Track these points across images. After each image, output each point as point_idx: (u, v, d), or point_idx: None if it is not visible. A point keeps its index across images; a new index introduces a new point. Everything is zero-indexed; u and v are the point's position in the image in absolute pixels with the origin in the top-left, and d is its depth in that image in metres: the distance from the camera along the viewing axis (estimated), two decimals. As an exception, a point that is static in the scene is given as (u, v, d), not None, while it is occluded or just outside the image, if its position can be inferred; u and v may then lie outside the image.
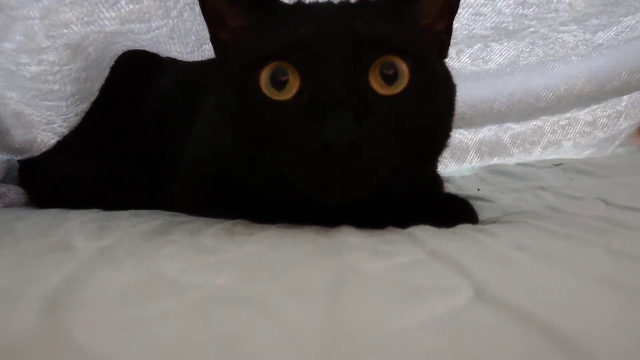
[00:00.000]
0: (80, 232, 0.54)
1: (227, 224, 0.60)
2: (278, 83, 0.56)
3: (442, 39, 0.67)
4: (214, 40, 0.66)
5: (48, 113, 0.95)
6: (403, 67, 0.56)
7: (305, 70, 0.55)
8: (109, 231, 0.55)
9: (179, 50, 1.01)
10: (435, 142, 0.63)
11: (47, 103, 0.95)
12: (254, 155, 0.58)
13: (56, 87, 0.95)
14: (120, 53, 0.97)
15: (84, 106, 0.97)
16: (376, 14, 0.60)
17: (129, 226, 0.59)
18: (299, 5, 0.64)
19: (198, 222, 0.62)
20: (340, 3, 0.65)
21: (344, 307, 0.32)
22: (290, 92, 0.55)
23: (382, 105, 0.55)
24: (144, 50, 1.01)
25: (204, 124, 0.77)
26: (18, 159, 0.93)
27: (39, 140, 0.92)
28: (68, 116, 0.96)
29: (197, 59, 1.01)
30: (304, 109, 0.54)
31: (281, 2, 0.64)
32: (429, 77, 0.58)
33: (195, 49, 1.03)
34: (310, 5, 0.65)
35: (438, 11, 0.64)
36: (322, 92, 0.54)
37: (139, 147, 0.91)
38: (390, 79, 0.56)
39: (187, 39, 1.03)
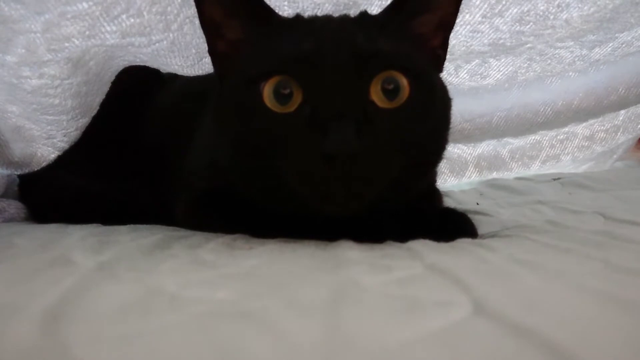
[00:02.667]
0: (80, 247, 0.54)
1: (227, 238, 0.60)
2: (281, 96, 0.56)
3: (438, 54, 0.68)
4: (212, 52, 0.66)
5: (49, 127, 0.95)
6: (403, 82, 0.57)
7: (307, 84, 0.56)
8: (109, 246, 0.55)
9: (179, 64, 1.01)
10: (432, 153, 0.63)
11: (48, 117, 0.95)
12: (255, 166, 0.58)
13: (57, 101, 0.95)
14: (121, 68, 0.97)
15: (85, 120, 0.97)
16: (376, 28, 0.61)
17: (129, 241, 0.59)
18: (298, 19, 0.65)
19: (198, 236, 0.62)
20: (340, 17, 0.66)
21: (343, 321, 0.32)
22: (292, 105, 0.56)
23: (382, 118, 0.56)
24: (145, 66, 1.01)
25: (204, 138, 0.78)
26: (18, 173, 0.93)
27: (39, 154, 0.92)
28: (69, 130, 0.97)
29: (197, 73, 1.01)
30: (306, 121, 0.55)
31: (280, 15, 0.64)
32: (428, 91, 0.59)
33: (196, 62, 1.03)
34: (309, 19, 0.65)
35: (435, 27, 0.65)
36: (323, 106, 0.54)
37: (139, 163, 0.91)
38: (390, 93, 0.57)
39: (187, 52, 1.03)
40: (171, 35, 1.00)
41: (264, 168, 0.57)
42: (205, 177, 0.73)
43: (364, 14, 0.65)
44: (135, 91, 0.99)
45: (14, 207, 0.88)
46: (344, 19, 0.65)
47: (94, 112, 0.98)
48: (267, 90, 0.57)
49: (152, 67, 0.99)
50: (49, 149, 0.94)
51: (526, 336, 0.30)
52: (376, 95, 0.56)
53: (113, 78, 0.97)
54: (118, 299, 0.36)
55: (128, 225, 0.72)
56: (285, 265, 0.48)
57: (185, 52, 1.05)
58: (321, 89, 0.55)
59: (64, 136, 0.97)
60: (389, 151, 0.55)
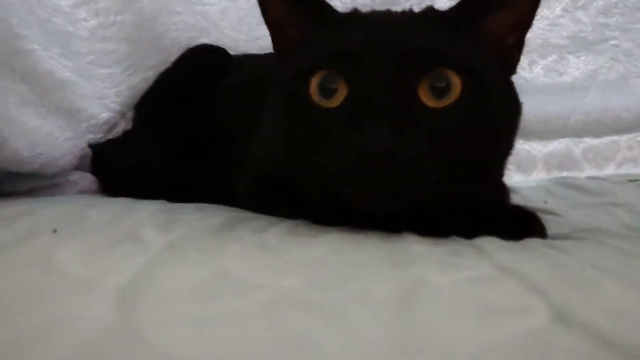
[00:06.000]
0: (149, 223, 0.55)
1: (289, 224, 0.60)
2: (327, 90, 0.56)
3: (511, 55, 0.64)
4: (276, 49, 0.67)
5: (102, 85, 0.98)
6: (455, 80, 0.54)
7: (352, 79, 0.55)
8: (176, 224, 0.56)
9: (233, 36, 1.04)
10: (487, 158, 0.60)
11: (101, 71, 0.99)
12: (303, 162, 0.58)
13: (111, 46, 0.99)
14: (171, 31, 1.02)
15: (136, 79, 1.01)
16: (437, 24, 0.59)
17: (195, 220, 0.60)
18: (354, 14, 0.63)
19: (261, 220, 0.63)
20: (400, 12, 0.65)
21: (416, 320, 0.31)
22: (337, 100, 0.56)
23: (429, 117, 0.54)
24: (215, 48, 1.03)
25: (266, 125, 0.78)
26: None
27: (90, 111, 0.95)
28: (121, 88, 1.00)
29: (253, 47, 1.03)
30: (347, 117, 0.54)
31: (337, 12, 0.63)
32: (483, 93, 0.56)
33: (250, 39, 1.07)
34: (366, 14, 0.64)
35: (510, 25, 0.62)
36: (365, 102, 0.53)
37: (206, 143, 0.93)
38: (441, 91, 0.54)
39: (240, 27, 1.07)
40: (224, 2, 1.04)
41: (309, 164, 0.57)
42: (266, 165, 0.73)
43: (429, 9, 0.62)
44: (205, 72, 1.01)
45: (86, 180, 0.92)
46: (404, 13, 0.64)
47: (146, 73, 1.02)
48: (314, 84, 0.57)
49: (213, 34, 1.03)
50: (100, 108, 0.98)
51: (612, 347, 0.28)
52: (424, 93, 0.54)
53: (168, 41, 1.01)
54: (188, 280, 0.36)
55: (193, 204, 0.73)
56: (350, 256, 0.47)
57: (237, 27, 1.07)
58: (365, 84, 0.54)
59: (116, 96, 1.00)
60: (434, 152, 0.53)
